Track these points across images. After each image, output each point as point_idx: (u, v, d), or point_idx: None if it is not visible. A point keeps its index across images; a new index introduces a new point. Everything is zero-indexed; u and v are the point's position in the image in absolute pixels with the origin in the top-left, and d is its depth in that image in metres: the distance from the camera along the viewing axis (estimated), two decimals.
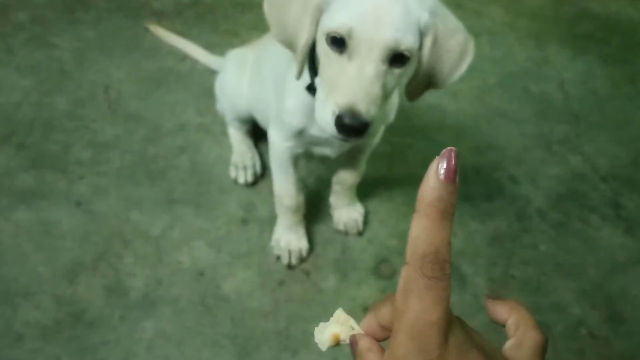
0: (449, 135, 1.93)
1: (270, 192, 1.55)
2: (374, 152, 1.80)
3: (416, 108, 1.99)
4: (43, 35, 1.98)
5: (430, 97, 2.03)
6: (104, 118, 1.77)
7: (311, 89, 1.14)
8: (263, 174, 1.71)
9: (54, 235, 1.49)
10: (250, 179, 1.66)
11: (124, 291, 1.41)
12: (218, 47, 2.04)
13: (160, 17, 2.15)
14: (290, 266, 1.51)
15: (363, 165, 1.53)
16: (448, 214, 0.45)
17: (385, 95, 0.99)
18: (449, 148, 0.45)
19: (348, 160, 1.51)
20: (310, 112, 1.20)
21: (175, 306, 1.40)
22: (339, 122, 0.95)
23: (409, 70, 1.02)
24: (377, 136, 1.42)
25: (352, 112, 0.93)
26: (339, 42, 0.96)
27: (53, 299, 1.37)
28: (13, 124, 1.71)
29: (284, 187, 1.44)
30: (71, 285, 1.40)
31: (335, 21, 0.95)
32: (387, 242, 1.61)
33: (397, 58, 0.97)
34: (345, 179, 1.55)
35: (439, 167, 0.45)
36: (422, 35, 0.99)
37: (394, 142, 1.85)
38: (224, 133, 1.77)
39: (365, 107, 0.93)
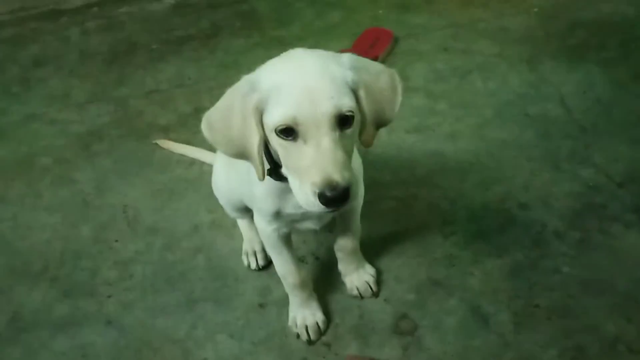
0: (452, 178, 1.94)
1: None
2: (379, 210, 1.84)
3: (416, 158, 2.02)
4: (65, 174, 2.17)
5: (428, 144, 2.07)
6: (125, 236, 1.90)
7: (271, 173, 1.22)
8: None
9: (90, 357, 1.59)
10: (262, 262, 1.72)
11: None
12: None
13: (167, 131, 2.31)
14: (310, 342, 1.54)
15: (358, 228, 1.57)
16: None
17: (349, 155, 1.08)
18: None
19: (341, 226, 1.56)
20: (280, 194, 1.28)
21: None
22: (323, 198, 1.02)
23: (356, 126, 1.10)
24: (358, 198, 1.46)
25: (331, 185, 1.01)
26: (288, 132, 1.04)
27: None
28: (46, 259, 1.86)
29: (284, 267, 1.50)
30: None
31: (277, 116, 1.04)
32: (404, 297, 1.62)
33: (343, 121, 1.05)
34: (344, 245, 1.59)
35: None
36: (354, 91, 1.08)
37: (398, 196, 1.89)
38: (235, 225, 1.86)
39: (339, 176, 1.02)
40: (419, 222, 1.82)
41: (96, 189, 2.10)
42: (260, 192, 1.30)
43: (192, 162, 2.14)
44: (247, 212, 1.76)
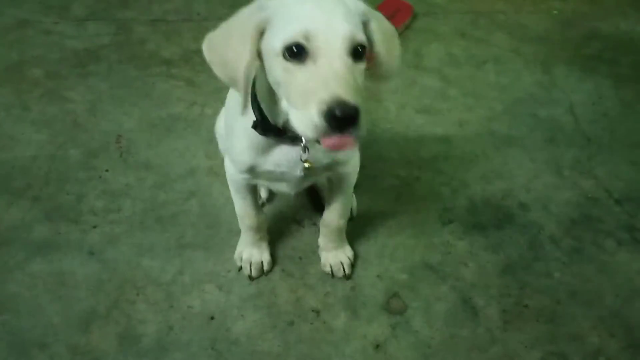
0: (456, 165, 1.93)
1: (279, 231, 1.58)
2: (382, 187, 1.82)
3: (423, 139, 2.00)
4: (57, 90, 2.06)
5: (436, 128, 2.05)
6: (116, 167, 1.82)
7: (257, 126, 1.17)
8: (271, 198, 1.76)
9: (68, 285, 1.53)
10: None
11: (136, 338, 1.43)
12: (227, 91, 2.09)
13: (169, 65, 2.21)
14: (250, 277, 1.56)
15: (347, 206, 1.53)
16: None
17: (359, 89, 0.99)
18: None
19: (331, 200, 1.50)
20: (260, 149, 1.23)
21: (187, 352, 1.41)
22: (330, 116, 0.91)
23: (363, 66, 1.04)
24: (353, 164, 1.39)
25: (339, 102, 0.90)
26: (298, 52, 0.97)
27: (67, 348, 1.40)
28: (29, 177, 1.77)
29: (243, 209, 1.50)
30: (85, 335, 1.43)
31: (288, 31, 0.97)
32: (396, 276, 1.61)
33: (355, 52, 0.99)
34: (329, 221, 1.54)
35: None
36: (365, 25, 1.05)
37: (401, 176, 1.86)
38: None
39: (349, 96, 0.92)
40: (419, 204, 1.80)
41: (89, 112, 2.00)
42: (241, 145, 1.25)
43: (194, 102, 2.06)
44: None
